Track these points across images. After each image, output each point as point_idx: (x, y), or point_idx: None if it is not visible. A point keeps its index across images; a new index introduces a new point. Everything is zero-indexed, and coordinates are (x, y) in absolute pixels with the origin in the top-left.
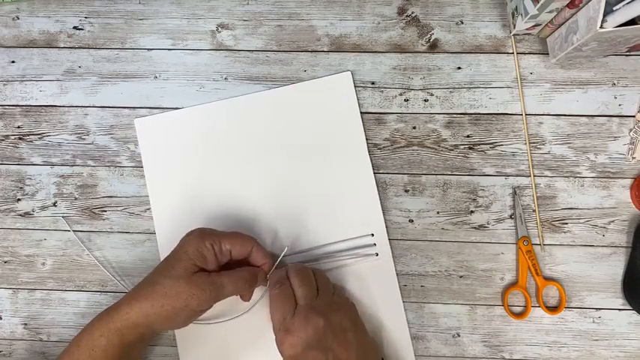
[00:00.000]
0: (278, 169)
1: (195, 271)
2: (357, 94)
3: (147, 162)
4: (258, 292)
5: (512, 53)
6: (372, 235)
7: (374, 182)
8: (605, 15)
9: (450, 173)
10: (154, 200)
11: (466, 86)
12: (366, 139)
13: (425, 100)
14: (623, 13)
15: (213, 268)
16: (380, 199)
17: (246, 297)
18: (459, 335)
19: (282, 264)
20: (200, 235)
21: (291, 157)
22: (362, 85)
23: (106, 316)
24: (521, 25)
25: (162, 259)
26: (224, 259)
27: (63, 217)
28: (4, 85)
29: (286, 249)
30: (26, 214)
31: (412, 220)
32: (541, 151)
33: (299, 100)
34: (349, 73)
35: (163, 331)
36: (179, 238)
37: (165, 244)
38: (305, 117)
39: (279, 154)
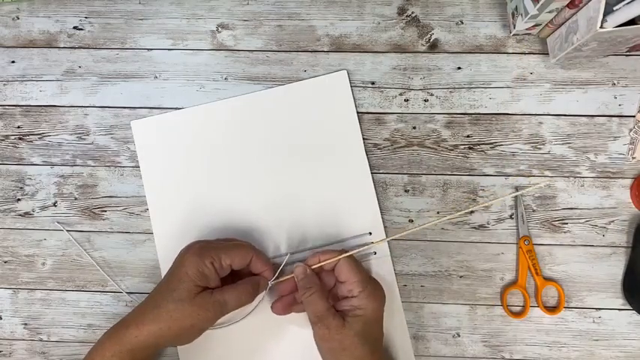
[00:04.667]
0: (275, 169)
1: (198, 292)
2: (355, 94)
3: (144, 163)
4: (258, 297)
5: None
6: (370, 233)
7: (371, 181)
8: (605, 15)
9: (450, 173)
10: (152, 202)
11: (466, 86)
12: (366, 139)
13: (425, 100)
14: (623, 13)
15: (216, 284)
16: (379, 199)
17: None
18: (459, 335)
19: (278, 264)
20: (199, 252)
21: (287, 156)
22: (362, 85)
23: (115, 336)
24: (521, 25)
25: (160, 260)
26: (225, 273)
27: (58, 222)
28: (4, 85)
29: (288, 256)
30: (26, 214)
31: (412, 220)
32: (541, 151)
33: (295, 100)
34: (345, 72)
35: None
36: (177, 240)
37: (164, 246)
38: (301, 117)
39: (275, 153)
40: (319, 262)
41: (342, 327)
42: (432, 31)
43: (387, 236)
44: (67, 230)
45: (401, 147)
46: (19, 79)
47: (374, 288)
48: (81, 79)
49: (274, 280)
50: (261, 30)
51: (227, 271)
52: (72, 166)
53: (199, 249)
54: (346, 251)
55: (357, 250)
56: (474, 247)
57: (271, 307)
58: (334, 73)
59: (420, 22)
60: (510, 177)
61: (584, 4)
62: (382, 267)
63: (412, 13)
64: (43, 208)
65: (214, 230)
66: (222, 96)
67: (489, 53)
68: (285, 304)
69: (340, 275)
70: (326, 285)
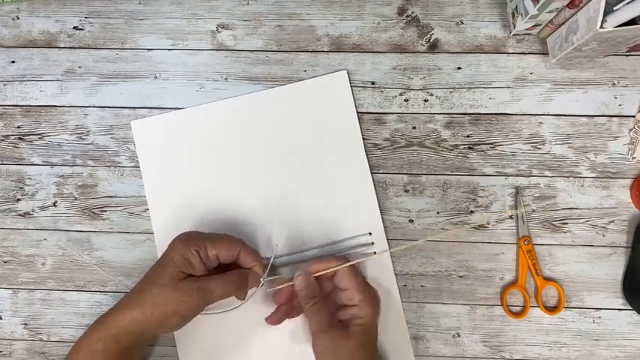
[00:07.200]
0: (274, 169)
1: (182, 277)
2: (355, 94)
3: (144, 163)
4: (250, 291)
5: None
6: (370, 233)
7: (371, 181)
8: (605, 15)
9: (450, 173)
10: (152, 202)
11: (466, 86)
12: (366, 139)
13: (425, 100)
14: (623, 13)
15: (201, 273)
16: (379, 199)
17: (240, 296)
18: (459, 335)
19: (277, 267)
20: (185, 240)
21: (287, 156)
22: (362, 85)
23: (101, 322)
24: (521, 25)
25: None
26: (212, 264)
27: (45, 229)
28: (4, 85)
29: (275, 248)
30: (26, 214)
31: (412, 220)
32: (541, 151)
33: (295, 100)
34: (345, 72)
35: (159, 334)
36: None
37: (164, 246)
38: (301, 117)
39: (274, 153)
40: (318, 271)
41: (346, 338)
42: (432, 31)
43: (386, 236)
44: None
45: (401, 147)
46: (19, 79)
47: (372, 294)
48: (81, 79)
49: (266, 276)
50: (261, 30)
51: (213, 261)
52: (72, 166)
53: (186, 237)
54: (346, 259)
55: (358, 260)
56: (474, 247)
57: (266, 320)
58: (334, 73)
59: (420, 22)
60: (510, 177)
61: (584, 4)
62: (382, 267)
63: (412, 13)
64: (43, 208)
65: (214, 230)
66: (222, 96)
67: (489, 53)
68: (281, 314)
69: (340, 283)
70: (324, 291)
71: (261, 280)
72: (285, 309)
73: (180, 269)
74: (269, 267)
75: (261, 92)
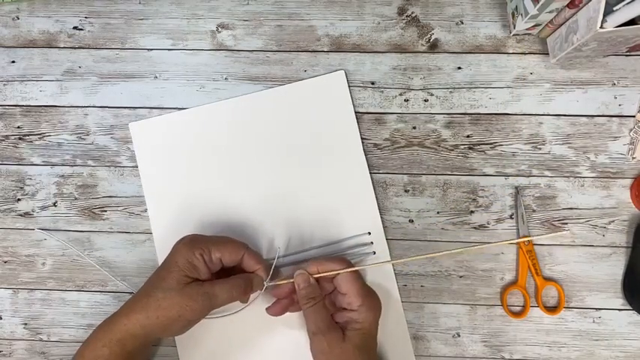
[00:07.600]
0: (273, 170)
1: (188, 282)
2: (355, 94)
3: (142, 164)
4: (253, 295)
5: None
6: (369, 233)
7: (370, 181)
8: (605, 15)
9: (450, 173)
10: (151, 203)
11: (466, 86)
12: (366, 139)
13: (425, 100)
14: (623, 13)
15: (206, 277)
16: (379, 199)
17: (243, 300)
18: (459, 335)
19: (278, 266)
20: (190, 244)
21: (286, 156)
22: (362, 85)
23: (106, 327)
24: (521, 25)
25: (159, 261)
26: (216, 268)
27: (41, 229)
28: (4, 85)
29: (278, 252)
30: (26, 214)
31: (412, 220)
32: (541, 151)
33: (293, 100)
34: (342, 72)
35: (164, 338)
36: (176, 240)
37: (163, 247)
38: (299, 117)
39: (272, 154)
40: (318, 273)
41: (341, 341)
42: (432, 31)
43: (386, 236)
44: (54, 233)
45: (401, 147)
46: (19, 79)
47: (372, 300)
48: (81, 79)
49: (269, 279)
50: (261, 30)
51: (217, 265)
52: (72, 166)
53: (190, 241)
54: (347, 261)
55: (361, 267)
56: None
57: (267, 310)
58: (332, 73)
59: (420, 22)
60: (510, 177)
61: (584, 4)
62: (382, 267)
63: (412, 13)
64: (43, 208)
65: (213, 231)
66: (223, 96)
67: (489, 53)
68: (282, 306)
69: (340, 287)
70: (324, 291)
71: (265, 283)
72: (285, 302)
73: (185, 273)
74: (272, 270)
75: (261, 92)
